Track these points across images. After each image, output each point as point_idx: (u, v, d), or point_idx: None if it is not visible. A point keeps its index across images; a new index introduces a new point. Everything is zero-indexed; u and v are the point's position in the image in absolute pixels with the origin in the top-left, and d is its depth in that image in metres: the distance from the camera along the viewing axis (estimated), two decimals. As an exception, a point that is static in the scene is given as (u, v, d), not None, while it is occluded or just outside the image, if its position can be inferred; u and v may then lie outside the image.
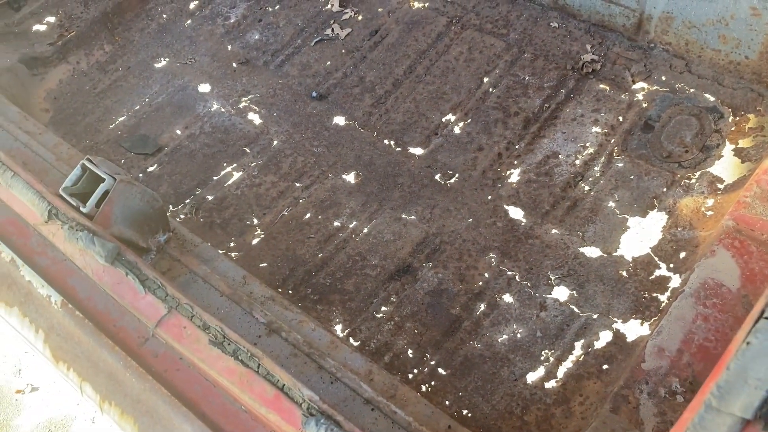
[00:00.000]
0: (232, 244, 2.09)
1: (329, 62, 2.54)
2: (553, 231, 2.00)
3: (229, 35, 2.69)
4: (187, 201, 2.20)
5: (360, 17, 2.65)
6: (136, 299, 1.46)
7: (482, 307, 1.88)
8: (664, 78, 2.26)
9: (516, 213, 2.08)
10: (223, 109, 2.46)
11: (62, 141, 1.95)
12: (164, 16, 2.78)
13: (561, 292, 1.87)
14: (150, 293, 1.46)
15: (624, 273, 1.87)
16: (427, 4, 2.63)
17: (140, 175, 2.31)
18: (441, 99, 2.37)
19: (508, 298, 1.88)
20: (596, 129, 2.19)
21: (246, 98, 2.48)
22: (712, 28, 2.16)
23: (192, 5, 2.81)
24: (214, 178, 2.28)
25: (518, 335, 1.80)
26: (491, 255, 1.99)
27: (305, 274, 2.01)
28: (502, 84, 2.37)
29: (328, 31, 2.63)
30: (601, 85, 2.29)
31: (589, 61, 2.33)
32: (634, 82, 2.27)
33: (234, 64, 2.59)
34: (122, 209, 1.56)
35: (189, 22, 2.76)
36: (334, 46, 2.59)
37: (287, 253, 2.07)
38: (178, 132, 2.41)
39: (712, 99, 2.17)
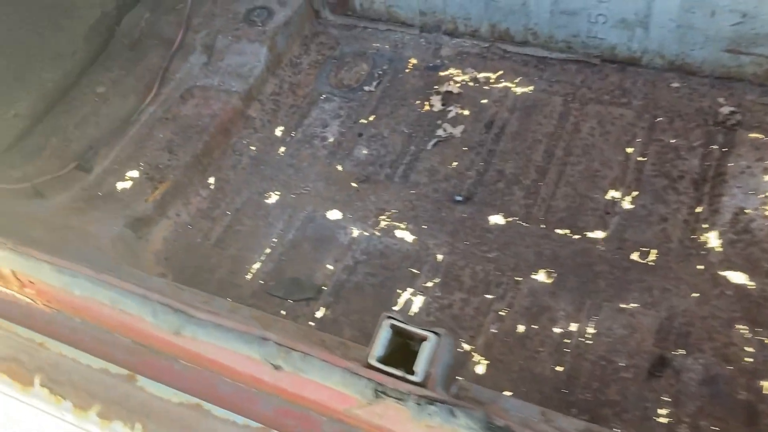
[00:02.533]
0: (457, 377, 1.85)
1: (456, 162, 2.40)
2: (791, 287, 1.91)
3: (335, 155, 2.51)
4: (383, 341, 1.95)
5: (467, 112, 2.54)
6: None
7: (766, 384, 1.73)
8: (808, 116, 2.27)
9: (738, 277, 1.97)
10: (366, 233, 2.25)
11: (238, 305, 1.69)
12: (252, 148, 2.57)
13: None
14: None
15: None
16: (531, 88, 2.56)
17: (310, 323, 2.05)
18: (596, 177, 2.27)
19: (790, 368, 1.75)
20: (769, 177, 2.15)
21: (384, 216, 2.29)
22: None
23: (278, 132, 2.62)
24: (394, 308, 2.05)
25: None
26: (740, 326, 1.86)
27: (556, 392, 1.80)
28: (650, 151, 2.30)
29: (440, 132, 2.50)
30: (752, 134, 2.27)
31: (728, 114, 2.31)
32: (782, 126, 2.27)
33: (354, 184, 2.40)
34: (443, 367, 1.33)
35: (283, 149, 2.56)
36: (452, 145, 2.46)
37: (523, 374, 1.86)
38: (330, 267, 2.18)
39: None
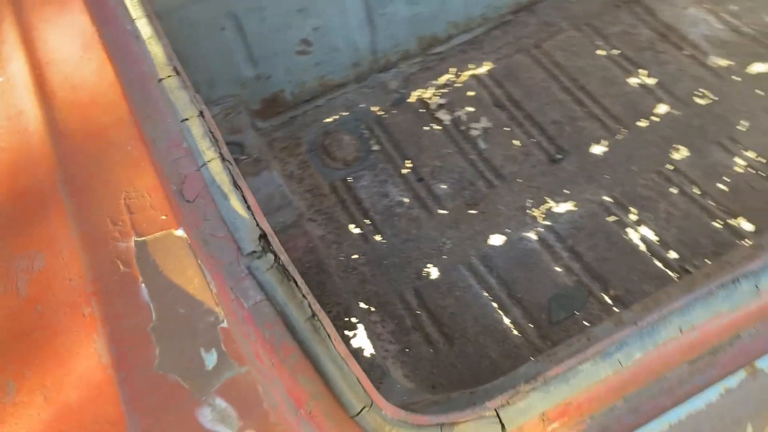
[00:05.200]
0: (750, 238, 2.06)
1: (515, 141, 2.53)
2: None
3: (428, 208, 2.40)
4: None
5: (472, 108, 2.66)
6: None
7: None
8: None
9: None
10: (535, 227, 2.25)
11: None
12: (357, 257, 2.29)
13: None
14: None
15: None
16: (490, 64, 2.79)
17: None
18: (613, 82, 2.64)
19: None
20: None
21: (529, 209, 2.31)
22: None
23: (355, 230, 2.37)
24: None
25: None
26: None
27: None
28: (613, 43, 2.76)
29: (474, 132, 2.58)
30: None
31: (623, -7, 2.90)
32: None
33: (471, 211, 2.35)
34: None
35: (378, 237, 2.34)
36: (494, 134, 2.57)
37: None
38: (558, 270, 2.14)
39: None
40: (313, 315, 1.02)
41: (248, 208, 1.05)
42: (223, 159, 1.10)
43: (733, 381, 1.37)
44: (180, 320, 0.91)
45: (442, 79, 2.75)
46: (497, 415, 1.29)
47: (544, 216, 2.28)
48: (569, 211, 2.28)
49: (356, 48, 2.69)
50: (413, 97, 2.72)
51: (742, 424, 1.36)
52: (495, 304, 2.10)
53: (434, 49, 2.83)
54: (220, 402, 0.86)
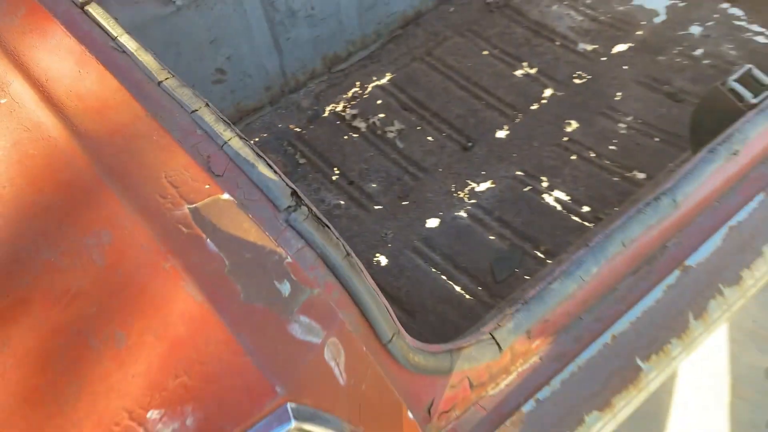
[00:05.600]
0: (645, 184, 2.41)
1: (429, 138, 2.78)
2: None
3: (363, 206, 2.59)
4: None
5: (382, 114, 2.90)
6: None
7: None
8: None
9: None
10: (463, 206, 2.51)
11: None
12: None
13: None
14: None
15: None
16: (389, 75, 3.05)
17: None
18: (503, 74, 2.97)
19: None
20: None
21: (454, 192, 2.57)
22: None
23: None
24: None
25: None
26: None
27: (674, 142, 2.53)
28: (494, 44, 3.11)
29: (391, 135, 2.81)
30: (515, 0, 3.27)
31: None
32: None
33: (404, 203, 2.57)
34: None
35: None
36: (408, 134, 2.81)
37: (653, 152, 2.52)
38: (493, 238, 2.39)
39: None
40: (348, 254, 1.18)
41: (275, 171, 1.20)
42: (241, 137, 1.24)
43: (671, 279, 1.65)
44: (250, 262, 1.04)
45: (350, 93, 2.97)
46: (492, 337, 1.49)
47: (468, 196, 2.54)
48: (489, 189, 2.55)
49: (267, 72, 2.86)
50: (327, 112, 2.92)
51: (684, 312, 1.64)
52: (444, 277, 2.31)
53: (338, 67, 3.05)
54: (304, 318, 1.00)
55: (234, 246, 1.06)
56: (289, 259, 1.05)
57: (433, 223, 2.48)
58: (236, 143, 1.22)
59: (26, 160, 1.19)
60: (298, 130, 2.86)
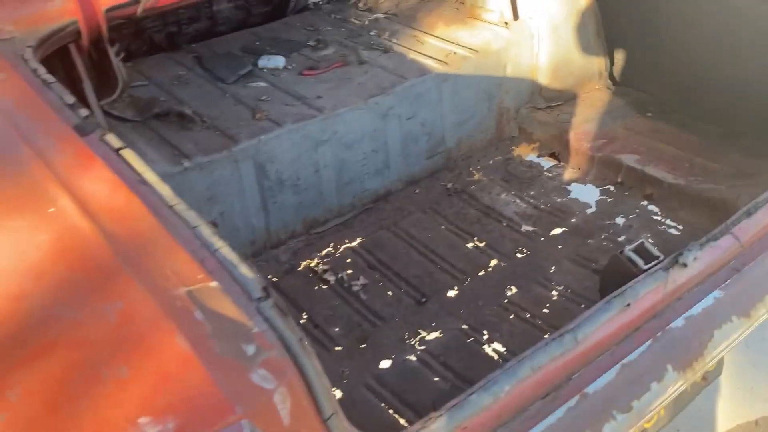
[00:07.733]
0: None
1: (390, 292, 3.19)
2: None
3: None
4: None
5: (350, 271, 3.32)
6: None
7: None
8: None
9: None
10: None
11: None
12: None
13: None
14: None
15: None
16: (359, 239, 3.52)
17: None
18: (455, 245, 3.45)
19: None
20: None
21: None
22: None
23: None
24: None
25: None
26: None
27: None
28: (452, 217, 3.62)
29: (356, 288, 3.22)
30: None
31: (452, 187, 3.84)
32: None
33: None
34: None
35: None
36: (373, 289, 3.22)
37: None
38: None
39: None
40: (301, 338, 1.54)
41: (253, 270, 1.59)
42: (230, 247, 1.65)
43: (571, 403, 1.98)
44: (226, 329, 1.39)
45: (324, 252, 3.42)
46: (415, 437, 1.79)
47: (419, 343, 2.89)
48: (438, 338, 2.91)
49: (253, 228, 3.32)
50: (302, 266, 3.34)
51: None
52: (391, 411, 2.59)
53: (316, 230, 3.52)
54: (262, 371, 1.34)
55: (215, 317, 1.42)
56: (256, 330, 1.41)
57: (385, 364, 2.80)
58: (226, 251, 1.62)
59: (65, 249, 1.58)
60: (275, 279, 3.25)
